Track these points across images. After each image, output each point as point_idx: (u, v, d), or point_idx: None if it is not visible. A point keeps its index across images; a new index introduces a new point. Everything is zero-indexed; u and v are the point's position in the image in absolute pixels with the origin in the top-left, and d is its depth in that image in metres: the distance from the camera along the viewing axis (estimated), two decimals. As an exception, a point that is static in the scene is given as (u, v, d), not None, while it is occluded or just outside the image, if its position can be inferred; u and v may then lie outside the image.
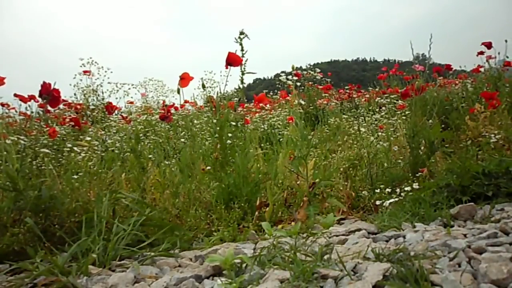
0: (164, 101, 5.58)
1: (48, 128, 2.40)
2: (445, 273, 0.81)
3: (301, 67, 5.14)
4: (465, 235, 1.14)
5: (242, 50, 2.13)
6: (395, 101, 3.83)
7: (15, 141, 1.69)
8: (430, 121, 2.37)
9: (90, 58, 4.75)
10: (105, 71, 4.81)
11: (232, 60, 2.06)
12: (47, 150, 1.89)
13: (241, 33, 2.11)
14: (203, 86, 2.58)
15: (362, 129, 2.91)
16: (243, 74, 2.17)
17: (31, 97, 3.43)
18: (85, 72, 4.75)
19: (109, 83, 4.85)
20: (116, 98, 4.97)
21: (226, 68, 2.10)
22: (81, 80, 4.81)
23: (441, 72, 4.49)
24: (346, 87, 5.63)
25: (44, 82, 1.64)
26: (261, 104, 3.68)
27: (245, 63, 2.13)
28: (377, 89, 5.44)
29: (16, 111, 3.74)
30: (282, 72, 4.65)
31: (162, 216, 1.62)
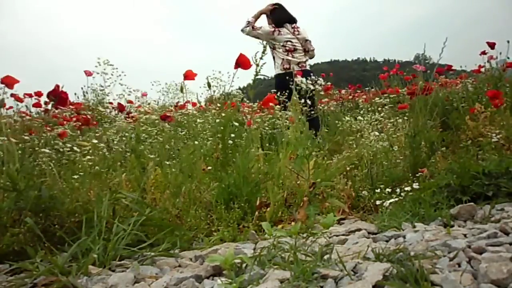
0: (176, 102, 5.57)
1: (49, 128, 2.40)
2: (445, 273, 0.81)
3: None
4: (465, 235, 1.14)
5: (264, 52, 2.12)
6: (396, 101, 3.84)
7: (17, 141, 1.70)
8: (430, 121, 2.37)
9: (107, 60, 4.74)
10: (119, 75, 4.80)
11: (242, 62, 2.06)
12: (47, 150, 1.89)
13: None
14: (209, 85, 2.57)
15: (364, 134, 2.91)
16: (256, 74, 2.16)
17: (29, 95, 3.44)
18: (86, 73, 4.73)
19: (120, 84, 4.83)
20: (126, 103, 4.95)
21: (235, 68, 2.09)
22: (93, 77, 4.80)
23: (442, 72, 4.50)
24: (358, 90, 5.61)
25: (56, 85, 1.69)
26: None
27: (262, 65, 2.12)
28: (378, 89, 5.44)
29: (15, 111, 3.74)
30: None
31: (162, 216, 1.62)
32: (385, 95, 4.22)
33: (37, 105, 3.52)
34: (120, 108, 3.65)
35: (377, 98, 4.21)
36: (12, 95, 3.45)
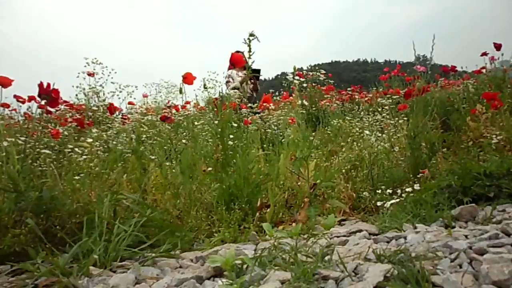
0: (169, 101, 5.57)
1: (49, 129, 2.41)
2: (446, 274, 0.81)
3: (302, 68, 5.14)
4: (466, 236, 1.14)
5: (249, 51, 2.11)
6: (396, 101, 3.83)
7: (16, 142, 1.70)
8: (430, 122, 2.36)
9: (95, 58, 4.71)
10: (109, 72, 4.77)
11: (236, 61, 2.04)
12: (48, 151, 1.89)
13: (251, 34, 2.09)
14: (205, 87, 2.58)
15: (366, 132, 2.91)
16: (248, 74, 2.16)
17: (31, 98, 3.44)
18: (89, 74, 4.72)
19: (112, 83, 4.81)
20: (119, 98, 4.93)
21: (230, 69, 2.08)
22: (84, 78, 4.77)
23: (447, 72, 4.49)
24: (349, 89, 5.61)
25: (40, 82, 1.62)
26: (264, 104, 3.68)
27: (251, 64, 2.11)
28: (380, 90, 5.43)
29: (17, 112, 3.74)
30: (283, 73, 4.66)
31: (163, 217, 1.62)
32: (387, 96, 4.22)
33: (41, 106, 3.51)
34: (112, 109, 3.61)
35: (379, 99, 4.21)
36: (15, 96, 3.45)
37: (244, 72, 5.00)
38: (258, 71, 5.61)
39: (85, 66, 4.65)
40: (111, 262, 1.22)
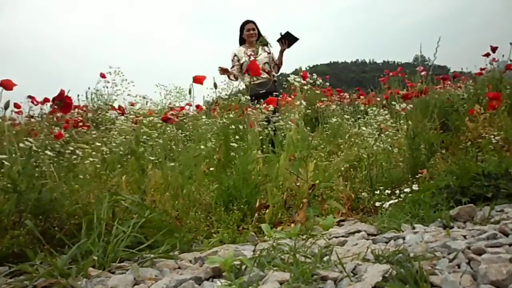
0: (170, 103, 5.57)
1: (52, 131, 2.40)
2: (444, 274, 0.81)
3: (300, 68, 5.13)
4: (464, 236, 1.14)
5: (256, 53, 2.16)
6: (396, 102, 3.83)
7: (15, 143, 1.69)
8: (429, 123, 2.37)
9: (118, 68, 4.76)
10: (128, 83, 4.80)
11: (251, 69, 2.09)
12: (50, 153, 1.89)
13: (261, 41, 2.15)
14: (215, 86, 2.58)
15: (364, 128, 2.91)
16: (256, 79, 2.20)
17: (46, 100, 3.45)
18: (101, 75, 4.73)
19: (128, 95, 4.84)
20: (128, 105, 4.97)
21: (244, 73, 2.14)
22: (104, 87, 4.83)
23: (447, 79, 4.52)
24: (355, 91, 5.61)
25: (61, 90, 1.69)
26: (265, 105, 3.67)
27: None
28: (377, 91, 5.44)
29: (20, 114, 3.74)
30: (282, 73, 4.65)
31: (161, 218, 1.62)
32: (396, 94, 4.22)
33: (53, 111, 3.51)
34: (121, 111, 3.63)
35: (393, 102, 4.21)
36: (29, 96, 3.47)
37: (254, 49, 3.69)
38: (293, 37, 3.83)
39: (108, 73, 4.71)
40: (109, 263, 1.22)
